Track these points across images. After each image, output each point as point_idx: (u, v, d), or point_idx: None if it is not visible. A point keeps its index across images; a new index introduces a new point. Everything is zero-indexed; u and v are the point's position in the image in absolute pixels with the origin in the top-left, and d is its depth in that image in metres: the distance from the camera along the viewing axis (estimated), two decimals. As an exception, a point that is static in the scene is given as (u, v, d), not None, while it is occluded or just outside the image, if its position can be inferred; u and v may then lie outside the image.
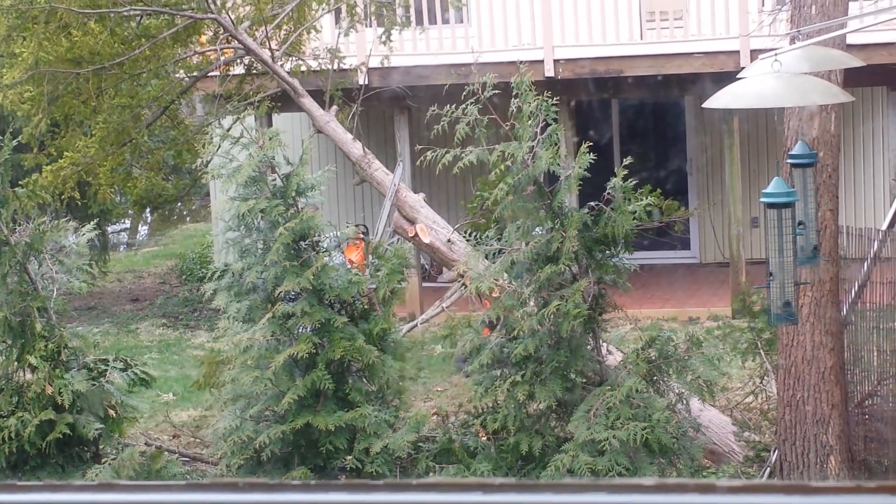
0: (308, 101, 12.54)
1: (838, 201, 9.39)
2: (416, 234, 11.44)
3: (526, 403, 8.95)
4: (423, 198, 12.03)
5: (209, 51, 13.86)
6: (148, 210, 23.50)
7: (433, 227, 11.47)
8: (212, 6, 12.74)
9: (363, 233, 11.16)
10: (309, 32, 14.88)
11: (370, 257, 10.12)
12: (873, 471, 9.52)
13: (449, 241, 11.31)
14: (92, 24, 12.92)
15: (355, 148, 12.19)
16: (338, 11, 15.29)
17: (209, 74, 14.15)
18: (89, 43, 12.86)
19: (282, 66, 13.25)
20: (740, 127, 16.54)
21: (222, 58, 13.69)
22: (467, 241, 11.26)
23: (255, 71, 14.12)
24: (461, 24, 16.95)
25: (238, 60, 14.08)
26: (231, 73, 14.39)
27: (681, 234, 18.08)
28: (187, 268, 20.93)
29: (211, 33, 14.02)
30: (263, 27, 13.45)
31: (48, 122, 13.61)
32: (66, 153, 14.26)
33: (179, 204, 23.30)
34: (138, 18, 13.47)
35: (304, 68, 14.47)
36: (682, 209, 10.08)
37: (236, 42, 12.89)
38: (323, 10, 14.69)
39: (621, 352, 9.58)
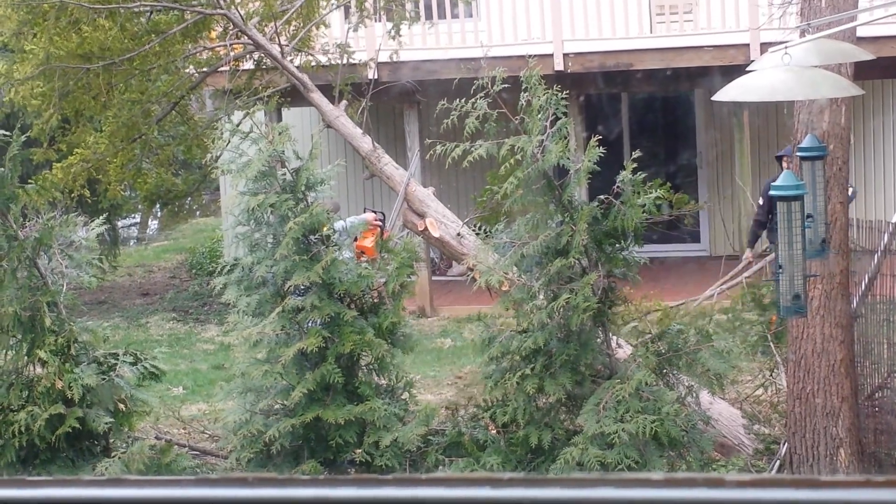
0: (317, 97, 12.54)
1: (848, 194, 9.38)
2: (426, 229, 11.44)
3: (535, 397, 8.96)
4: (433, 192, 12.03)
5: (219, 46, 13.86)
6: (158, 206, 23.54)
7: (443, 222, 11.47)
8: (221, 2, 12.74)
9: (380, 219, 11.16)
10: (318, 28, 14.89)
11: (380, 251, 10.12)
12: (883, 463, 9.51)
13: (458, 235, 11.31)
14: (102, 19, 12.91)
15: (365, 143, 12.19)
16: (347, 7, 15.29)
17: (219, 70, 14.16)
18: (99, 38, 12.86)
19: (291, 61, 13.25)
20: (750, 120, 16.53)
21: (232, 53, 13.70)
22: (477, 235, 11.26)
23: (264, 66, 14.13)
24: (470, 19, 16.95)
25: (248, 56, 14.09)
26: (241, 68, 14.40)
27: (691, 228, 18.07)
28: (197, 262, 20.97)
29: (220, 29, 14.02)
30: (273, 23, 13.46)
31: (59, 117, 13.62)
32: (76, 149, 14.27)
33: (189, 199, 23.33)
34: (148, 14, 13.47)
35: (313, 63, 14.47)
36: (693, 203, 10.08)
37: (246, 38, 12.89)
38: (332, 5, 14.69)
39: (630, 345, 9.58)
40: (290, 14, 13.95)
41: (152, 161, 15.30)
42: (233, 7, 12.99)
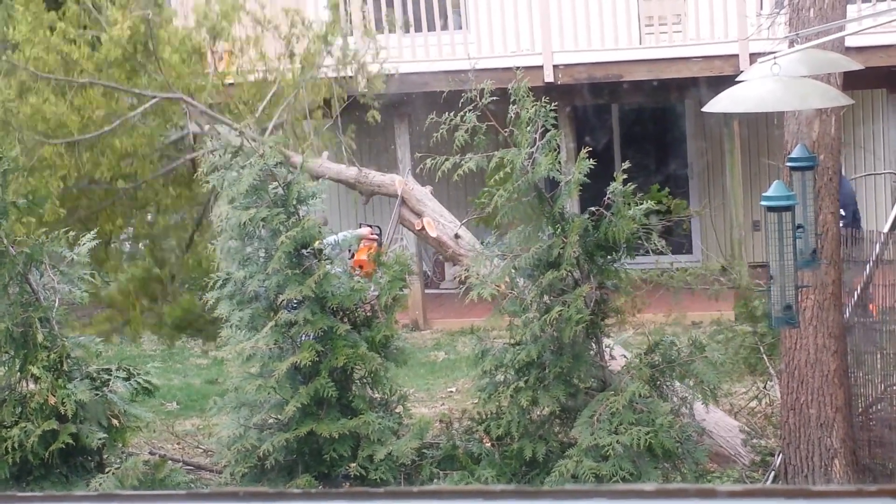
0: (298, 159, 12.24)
1: (839, 204, 9.39)
2: (423, 228, 11.42)
3: (529, 409, 8.95)
4: (430, 191, 11.97)
5: (184, 134, 13.04)
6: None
7: (440, 221, 11.45)
8: (174, 86, 12.14)
9: (377, 234, 11.15)
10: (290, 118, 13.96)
11: (376, 266, 10.11)
12: (878, 475, 9.50)
13: (456, 235, 11.29)
14: (50, 93, 12.13)
15: (350, 172, 12.09)
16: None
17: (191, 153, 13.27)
18: (53, 110, 12.04)
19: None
20: (740, 131, 16.54)
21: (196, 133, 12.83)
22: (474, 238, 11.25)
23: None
24: (460, 31, 16.95)
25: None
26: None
27: (682, 238, 18.06)
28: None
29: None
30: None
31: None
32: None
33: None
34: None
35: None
36: (686, 210, 10.09)
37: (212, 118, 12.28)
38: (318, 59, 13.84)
39: (624, 357, 9.58)
40: (260, 113, 13.15)
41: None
42: (190, 93, 12.30)
